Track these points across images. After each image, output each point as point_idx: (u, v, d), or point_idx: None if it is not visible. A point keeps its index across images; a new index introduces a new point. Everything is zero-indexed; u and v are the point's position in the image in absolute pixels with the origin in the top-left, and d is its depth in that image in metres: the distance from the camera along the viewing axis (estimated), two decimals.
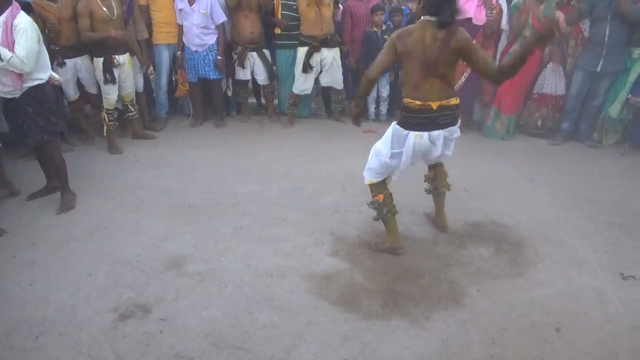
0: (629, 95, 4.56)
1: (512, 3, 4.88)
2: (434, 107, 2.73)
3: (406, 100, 2.79)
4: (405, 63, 2.75)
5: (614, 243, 3.23)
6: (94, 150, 4.83)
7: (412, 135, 2.80)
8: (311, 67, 5.14)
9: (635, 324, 2.49)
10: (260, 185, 4.05)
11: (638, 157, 4.68)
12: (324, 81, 5.33)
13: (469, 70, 4.94)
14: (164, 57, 5.19)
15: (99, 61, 4.46)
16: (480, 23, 4.79)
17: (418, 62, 2.68)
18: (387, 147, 2.89)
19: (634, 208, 3.70)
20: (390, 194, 3.04)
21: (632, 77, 4.55)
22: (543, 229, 3.40)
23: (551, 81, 4.93)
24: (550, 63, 4.86)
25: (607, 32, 4.48)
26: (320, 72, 5.27)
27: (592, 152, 4.84)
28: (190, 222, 3.47)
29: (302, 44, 5.15)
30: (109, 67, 4.45)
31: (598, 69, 4.63)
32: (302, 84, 5.28)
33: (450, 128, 2.87)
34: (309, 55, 5.09)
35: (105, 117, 4.65)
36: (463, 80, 5.00)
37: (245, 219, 3.50)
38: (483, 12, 4.79)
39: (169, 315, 2.52)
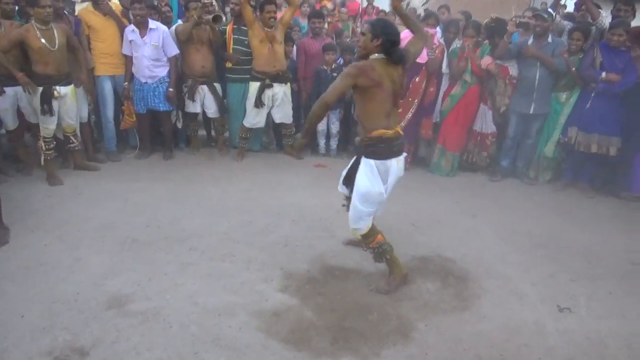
0: (560, 136, 4.91)
1: (450, 49, 5.18)
2: (401, 133, 2.97)
3: (378, 132, 2.86)
4: (372, 96, 2.82)
5: (551, 276, 3.39)
6: (32, 181, 4.59)
7: (395, 162, 2.95)
8: (263, 103, 5.19)
9: (572, 355, 2.60)
10: (209, 219, 3.98)
11: (571, 193, 4.99)
12: (277, 117, 5.39)
13: (415, 106, 5.16)
14: (107, 89, 5.07)
15: (38, 91, 4.30)
16: (422, 61, 5.04)
17: (388, 94, 2.83)
18: (377, 184, 2.93)
19: (567, 242, 3.92)
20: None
21: (563, 119, 4.91)
22: (486, 262, 3.53)
23: (479, 119, 5.23)
24: (482, 104, 5.17)
25: (537, 77, 4.84)
26: (272, 107, 5.32)
27: (529, 189, 5.12)
28: (135, 258, 3.34)
29: (254, 79, 5.21)
30: (47, 98, 4.30)
31: (530, 111, 4.96)
32: (254, 118, 5.31)
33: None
34: (261, 91, 5.15)
35: (43, 145, 4.47)
36: (410, 116, 5.20)
37: (193, 255, 3.42)
38: (425, 51, 5.05)
39: (109, 358, 2.39)
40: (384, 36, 2.77)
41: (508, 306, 3.02)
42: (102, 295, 2.90)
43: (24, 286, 2.95)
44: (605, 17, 4.85)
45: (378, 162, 2.91)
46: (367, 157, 2.93)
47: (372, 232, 3.05)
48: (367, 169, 2.93)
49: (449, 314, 2.91)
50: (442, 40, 5.24)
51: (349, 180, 3.12)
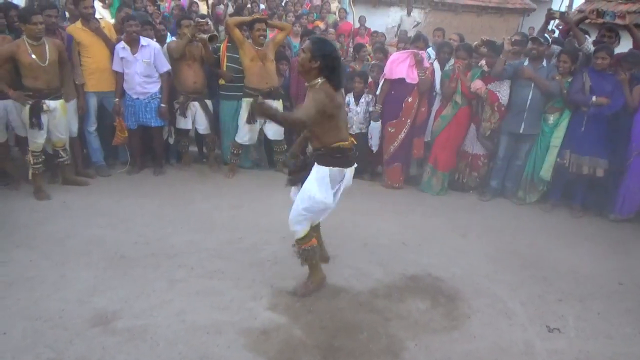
0: (558, 158, 4.96)
1: (444, 70, 5.28)
2: (355, 143, 3.14)
3: (337, 144, 2.96)
4: (334, 116, 2.89)
5: (539, 296, 3.40)
6: (19, 195, 4.53)
7: (349, 171, 3.04)
8: (255, 120, 5.21)
9: None
10: (198, 235, 3.95)
11: (559, 213, 5.04)
12: (269, 134, 5.40)
13: (408, 126, 5.21)
14: (91, 103, 5.04)
15: (27, 105, 4.28)
16: (414, 82, 5.11)
17: (343, 111, 3.05)
18: (327, 190, 2.98)
19: (556, 262, 3.94)
20: None
21: (557, 141, 4.97)
22: (475, 282, 3.53)
23: (470, 140, 5.30)
24: (472, 124, 5.24)
25: (529, 98, 4.92)
26: (265, 123, 5.34)
27: (518, 209, 5.16)
28: (122, 274, 3.30)
29: (247, 96, 5.24)
30: (36, 112, 4.28)
31: (520, 131, 5.04)
32: (246, 134, 5.32)
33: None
34: (253, 108, 5.17)
35: (31, 159, 4.43)
36: (402, 136, 5.25)
37: (181, 272, 3.38)
38: (415, 72, 5.13)
39: None
40: (321, 60, 2.81)
41: (497, 326, 3.02)
42: (88, 313, 2.85)
43: (7, 302, 2.89)
44: (591, 42, 4.97)
45: (335, 169, 2.98)
46: (321, 164, 2.98)
47: (308, 236, 3.12)
48: (320, 176, 2.98)
49: (439, 333, 2.90)
50: (435, 62, 5.33)
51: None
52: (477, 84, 5.04)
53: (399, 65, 5.15)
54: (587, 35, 4.97)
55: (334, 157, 2.97)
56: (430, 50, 5.60)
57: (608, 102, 4.57)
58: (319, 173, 2.98)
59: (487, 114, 5.12)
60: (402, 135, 5.27)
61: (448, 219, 4.72)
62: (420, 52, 5.17)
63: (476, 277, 3.61)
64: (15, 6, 5.12)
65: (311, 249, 3.12)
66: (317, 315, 2.98)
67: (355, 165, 3.13)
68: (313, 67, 2.82)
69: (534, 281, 3.61)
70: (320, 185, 2.96)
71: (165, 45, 5.20)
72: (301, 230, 3.06)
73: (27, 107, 4.27)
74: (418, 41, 5.46)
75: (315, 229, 3.31)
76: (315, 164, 3.01)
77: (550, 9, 5.51)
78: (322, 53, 2.80)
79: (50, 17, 4.52)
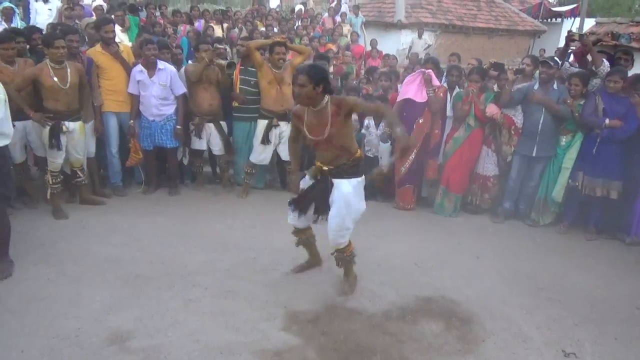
0: (570, 180, 4.95)
1: (455, 93, 5.31)
2: None
3: (359, 153, 3.25)
4: (349, 121, 3.17)
5: (555, 320, 3.36)
6: (37, 214, 4.62)
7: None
8: (269, 141, 5.28)
9: None
10: (212, 255, 3.98)
11: (574, 235, 4.99)
12: (283, 155, 5.45)
13: (418, 148, 5.24)
14: (112, 124, 5.17)
15: (47, 126, 4.40)
16: (423, 100, 5.15)
17: None
18: (362, 198, 3.25)
19: (571, 285, 3.90)
20: None
21: (568, 163, 4.96)
22: (490, 304, 3.50)
23: (482, 162, 5.31)
24: (484, 146, 5.26)
25: (541, 121, 4.93)
26: (279, 144, 5.41)
27: (531, 231, 5.12)
28: (137, 293, 3.33)
29: (262, 117, 5.32)
30: (55, 133, 4.40)
31: (533, 154, 5.04)
32: (260, 154, 5.39)
33: None
34: (268, 129, 5.25)
35: (50, 179, 4.53)
36: (413, 156, 5.28)
37: (195, 291, 3.40)
38: (424, 92, 5.18)
39: None
40: (322, 82, 3.00)
41: (513, 350, 2.99)
42: (103, 332, 2.88)
43: (25, 320, 2.94)
44: (608, 66, 4.98)
45: (361, 178, 3.19)
46: (353, 176, 3.16)
47: (349, 242, 3.36)
48: (359, 187, 3.20)
49: (452, 357, 2.88)
50: (445, 84, 5.39)
51: (322, 208, 3.27)
52: (493, 109, 5.05)
53: (409, 86, 5.22)
54: (604, 60, 4.97)
55: (360, 166, 3.20)
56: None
57: (621, 124, 4.57)
58: (359, 184, 3.18)
59: (505, 138, 5.13)
60: (413, 156, 5.29)
61: (461, 240, 4.71)
62: (427, 70, 5.22)
63: (490, 299, 3.58)
64: (39, 30, 5.31)
65: (353, 252, 3.42)
66: (331, 337, 2.97)
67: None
68: (318, 92, 3.02)
69: (549, 304, 3.57)
70: (359, 195, 3.19)
71: (183, 69, 5.32)
72: (346, 240, 3.28)
73: (47, 128, 4.39)
74: (427, 63, 5.53)
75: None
76: (343, 179, 3.15)
77: (570, 31, 5.54)
78: (320, 77, 3.00)
79: (72, 41, 4.67)
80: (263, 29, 9.22)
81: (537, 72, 5.12)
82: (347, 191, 3.12)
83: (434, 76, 5.25)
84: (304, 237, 3.59)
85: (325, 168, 3.19)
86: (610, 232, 4.99)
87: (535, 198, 5.25)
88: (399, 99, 5.28)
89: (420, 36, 11.68)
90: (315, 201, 3.25)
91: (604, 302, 3.65)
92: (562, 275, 4.08)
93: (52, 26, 6.02)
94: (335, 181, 3.16)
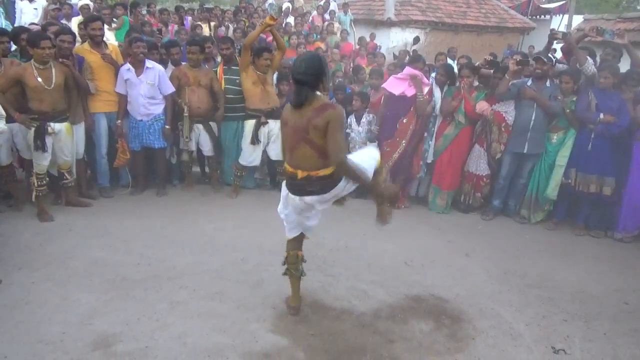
0: (563, 178, 4.96)
1: (447, 88, 5.30)
2: None
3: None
4: None
5: (544, 316, 3.37)
6: (22, 217, 4.54)
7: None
8: (259, 140, 5.24)
9: None
10: (201, 257, 3.94)
11: (563, 232, 5.01)
12: (273, 154, 5.41)
13: (403, 146, 5.22)
14: (102, 125, 5.10)
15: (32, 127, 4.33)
16: (409, 94, 5.11)
17: None
18: None
19: (561, 282, 3.91)
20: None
21: (562, 160, 4.96)
22: (479, 302, 3.50)
23: (474, 161, 5.30)
24: (476, 144, 5.25)
25: (533, 118, 4.94)
26: (268, 143, 5.37)
27: (521, 228, 5.13)
28: (124, 296, 3.28)
29: (250, 117, 5.27)
30: (40, 134, 4.33)
31: (524, 151, 5.04)
32: (250, 156, 5.34)
33: None
34: (257, 128, 5.21)
35: (35, 181, 4.46)
36: (396, 156, 5.26)
37: (183, 293, 3.36)
38: (414, 90, 5.16)
39: None
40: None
41: (502, 347, 2.98)
42: (89, 336, 2.83)
43: (8, 325, 2.88)
44: (592, 64, 4.99)
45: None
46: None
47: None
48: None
49: (443, 355, 2.87)
50: (433, 83, 5.38)
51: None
52: (483, 106, 5.05)
53: (397, 84, 5.19)
54: (588, 57, 4.99)
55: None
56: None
57: (615, 119, 4.59)
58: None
59: (495, 135, 5.13)
60: (396, 155, 5.27)
61: (451, 239, 4.70)
62: (417, 73, 5.19)
63: (480, 297, 3.57)
64: (27, 30, 5.21)
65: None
66: (320, 337, 2.95)
67: None
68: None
69: (538, 301, 3.57)
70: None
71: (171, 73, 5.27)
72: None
73: (32, 129, 4.32)
74: (417, 62, 5.49)
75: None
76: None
77: (552, 29, 5.56)
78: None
79: (63, 42, 4.58)
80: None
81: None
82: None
83: (424, 79, 5.23)
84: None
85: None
86: (599, 228, 5.01)
87: (526, 195, 5.26)
88: (386, 87, 5.24)
89: (415, 42, 11.68)
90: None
91: (593, 298, 3.66)
92: (552, 272, 4.09)
93: (45, 25, 5.90)
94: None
